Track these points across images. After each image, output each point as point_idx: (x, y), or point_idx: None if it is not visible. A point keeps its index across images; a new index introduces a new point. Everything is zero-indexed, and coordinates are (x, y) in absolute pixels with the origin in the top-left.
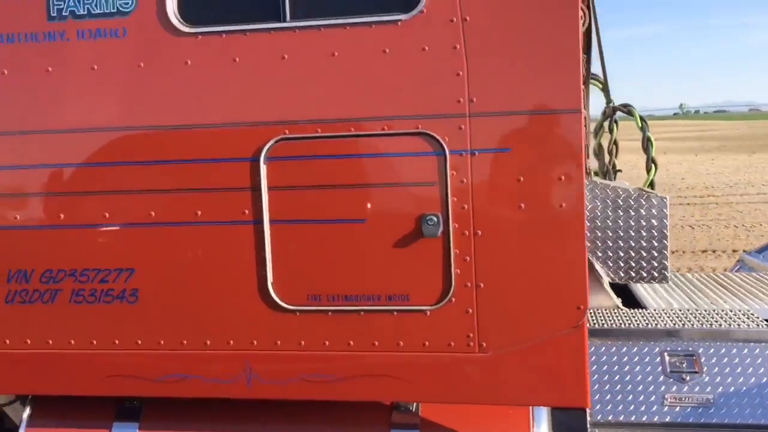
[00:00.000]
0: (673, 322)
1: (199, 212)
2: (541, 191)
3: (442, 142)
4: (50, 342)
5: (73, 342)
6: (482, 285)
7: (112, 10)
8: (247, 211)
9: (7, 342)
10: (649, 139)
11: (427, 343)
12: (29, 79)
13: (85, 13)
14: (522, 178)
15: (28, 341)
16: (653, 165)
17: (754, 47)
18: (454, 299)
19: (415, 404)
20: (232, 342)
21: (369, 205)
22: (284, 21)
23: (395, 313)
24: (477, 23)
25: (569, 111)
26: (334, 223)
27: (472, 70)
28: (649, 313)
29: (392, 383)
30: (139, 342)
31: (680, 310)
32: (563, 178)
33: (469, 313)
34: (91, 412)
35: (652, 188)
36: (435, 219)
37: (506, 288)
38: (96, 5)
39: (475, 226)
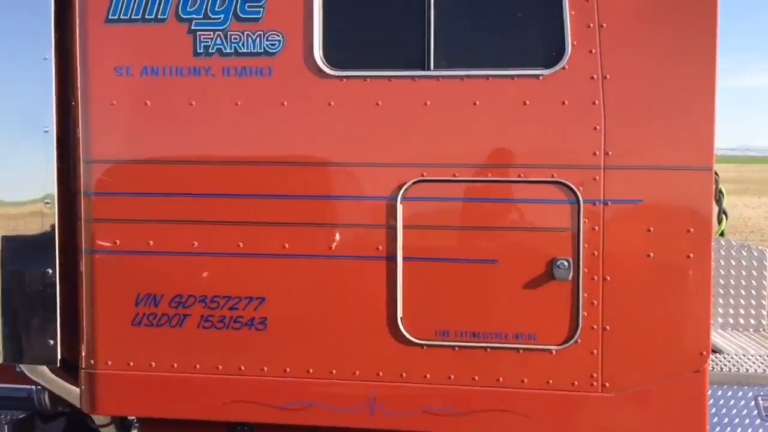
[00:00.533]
0: (761, 367)
1: (334, 246)
2: (670, 242)
3: (577, 192)
4: (175, 365)
5: (198, 366)
6: (608, 328)
7: (259, 51)
8: (380, 248)
9: (131, 364)
10: (720, 191)
11: (551, 381)
12: (172, 111)
13: (232, 51)
14: (652, 229)
15: (153, 364)
16: (724, 215)
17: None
18: (580, 340)
19: None
20: (357, 372)
21: (501, 247)
22: (428, 69)
23: (521, 350)
24: (616, 81)
25: (701, 168)
26: (467, 262)
27: (609, 125)
28: (732, 358)
29: (514, 419)
30: (265, 369)
31: (761, 356)
32: (692, 230)
33: (594, 354)
34: None
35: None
36: (566, 263)
37: (631, 332)
38: (243, 45)
39: (604, 272)
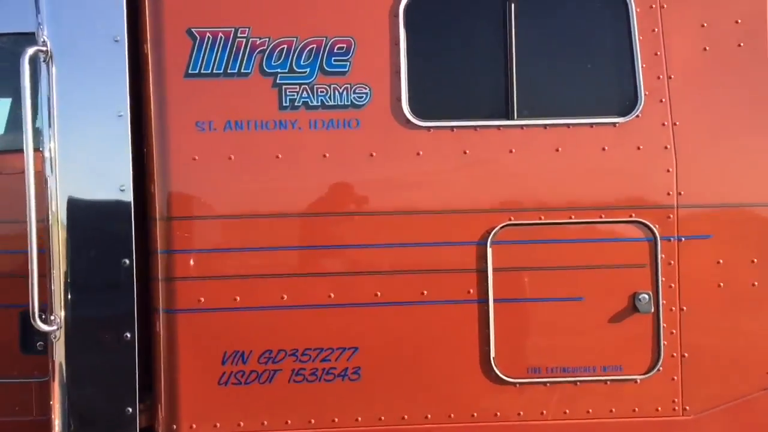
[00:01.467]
0: None
1: (425, 292)
2: (738, 272)
3: (654, 229)
4: (265, 423)
5: (289, 422)
6: (686, 355)
7: (347, 103)
8: (471, 291)
9: (218, 426)
10: None
11: (636, 408)
12: (258, 165)
13: (319, 104)
14: (721, 261)
15: (241, 424)
16: None
17: None
18: (661, 368)
19: None
20: (452, 415)
21: (587, 285)
22: (512, 119)
23: (608, 382)
24: (686, 127)
25: (763, 204)
26: (554, 301)
27: (681, 167)
28: None
29: None
30: (359, 419)
31: None
32: (756, 260)
33: (675, 381)
34: None
35: None
36: (647, 297)
37: (706, 357)
38: (329, 98)
39: (680, 302)
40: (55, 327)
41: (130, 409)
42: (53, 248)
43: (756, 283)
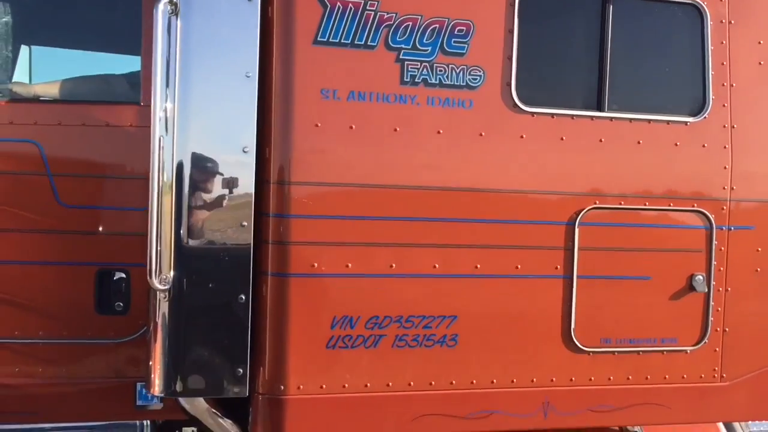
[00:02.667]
0: None
1: (519, 266)
2: (758, 259)
3: (711, 219)
4: (368, 385)
5: (390, 384)
6: (727, 329)
7: (462, 84)
8: (558, 267)
9: (323, 387)
10: None
11: (685, 375)
12: (376, 136)
13: (437, 82)
14: (760, 249)
15: (346, 385)
16: None
17: None
18: (707, 341)
19: (639, 428)
20: (534, 380)
21: (654, 265)
22: (603, 111)
23: (665, 352)
24: (741, 130)
25: None
26: (627, 279)
27: (735, 165)
28: None
29: (658, 410)
30: (453, 382)
31: None
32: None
33: (716, 352)
34: None
35: None
36: (701, 278)
37: (742, 332)
38: (447, 77)
39: (726, 284)
40: (168, 286)
41: (241, 370)
42: (164, 207)
43: None
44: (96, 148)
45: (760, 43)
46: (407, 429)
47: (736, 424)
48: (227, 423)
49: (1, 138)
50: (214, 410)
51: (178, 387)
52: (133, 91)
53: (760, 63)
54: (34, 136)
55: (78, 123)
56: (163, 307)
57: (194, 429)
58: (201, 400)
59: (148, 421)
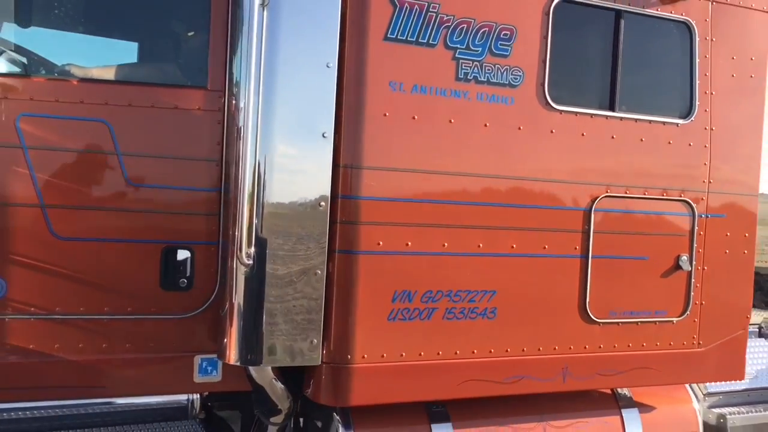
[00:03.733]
0: None
1: (546, 246)
2: (737, 243)
3: (694, 207)
4: (422, 354)
5: (440, 353)
6: (704, 303)
7: (505, 82)
8: (577, 248)
9: (384, 356)
10: None
11: (672, 342)
12: (434, 126)
13: (485, 80)
14: (728, 234)
15: (403, 354)
16: None
17: None
18: (689, 313)
19: (627, 390)
20: (556, 348)
21: (651, 247)
22: (615, 111)
23: (657, 323)
24: (717, 132)
25: (753, 195)
26: (631, 259)
27: (712, 162)
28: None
29: (649, 373)
30: (492, 351)
31: None
32: (747, 234)
33: (695, 322)
34: (406, 418)
35: None
36: (686, 258)
37: (715, 305)
38: (494, 75)
39: (704, 263)
40: (251, 262)
41: (315, 340)
42: (245, 188)
43: (746, 251)
44: (163, 130)
45: (733, 58)
46: (454, 393)
47: (696, 387)
48: (283, 390)
49: (72, 116)
50: (275, 378)
51: (254, 356)
52: (201, 75)
53: (732, 75)
54: (104, 115)
55: (147, 104)
56: (243, 282)
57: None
58: (269, 368)
59: (197, 396)
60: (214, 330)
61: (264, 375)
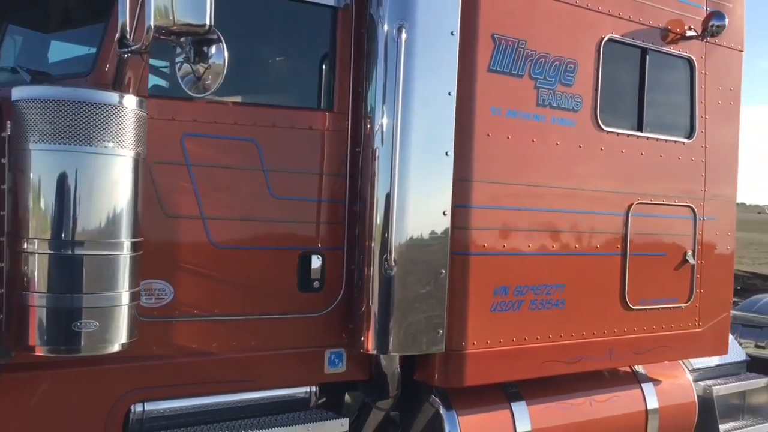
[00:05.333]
0: None
1: (598, 246)
2: (723, 241)
3: (695, 211)
4: (513, 340)
5: (526, 338)
6: (702, 291)
7: (570, 108)
8: (618, 246)
9: (488, 342)
10: None
11: (681, 324)
12: (521, 145)
13: (557, 106)
14: (717, 233)
15: (501, 340)
16: None
17: None
18: (693, 299)
19: (642, 368)
20: (605, 331)
21: (667, 246)
22: (642, 131)
23: (671, 308)
24: (709, 149)
25: (733, 200)
26: (654, 255)
27: (708, 174)
28: None
29: (667, 350)
30: (562, 335)
31: None
32: (729, 234)
33: (697, 307)
34: (490, 398)
35: None
36: (691, 254)
37: (709, 291)
38: (563, 102)
39: (702, 258)
40: (393, 269)
41: (441, 331)
42: (382, 203)
43: (728, 248)
44: (300, 148)
45: (719, 88)
46: (537, 372)
47: (685, 364)
48: (399, 376)
49: (227, 136)
50: (398, 366)
51: (391, 346)
52: (328, 99)
53: (719, 102)
54: (253, 135)
55: (288, 125)
56: (382, 285)
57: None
58: (397, 357)
59: (316, 387)
60: (340, 326)
61: (392, 362)
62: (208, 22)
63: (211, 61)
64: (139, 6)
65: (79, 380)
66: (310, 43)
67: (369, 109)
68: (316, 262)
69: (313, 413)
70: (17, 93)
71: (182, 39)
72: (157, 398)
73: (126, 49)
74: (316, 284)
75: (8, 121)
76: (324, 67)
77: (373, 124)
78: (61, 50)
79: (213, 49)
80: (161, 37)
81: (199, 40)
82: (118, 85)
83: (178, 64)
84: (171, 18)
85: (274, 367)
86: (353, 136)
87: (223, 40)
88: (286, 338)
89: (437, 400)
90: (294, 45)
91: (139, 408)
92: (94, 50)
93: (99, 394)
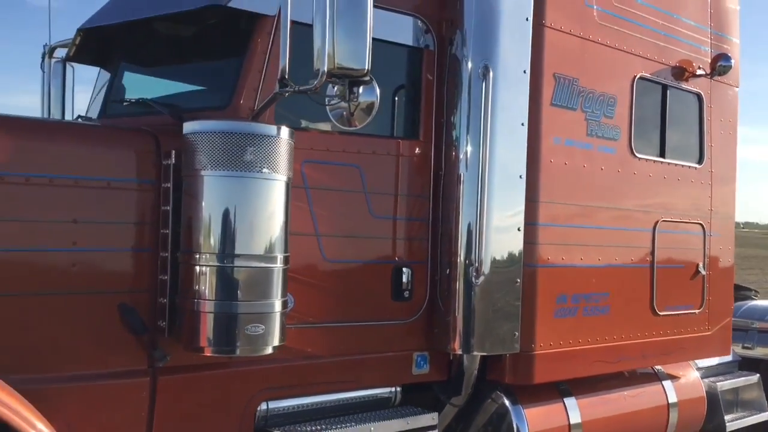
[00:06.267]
0: None
1: (632, 259)
2: (726, 253)
3: (705, 228)
4: (570, 342)
5: (580, 341)
6: (710, 298)
7: (611, 137)
8: (648, 259)
9: (551, 344)
10: None
11: (695, 328)
12: (576, 170)
13: (602, 135)
14: (721, 248)
15: (561, 342)
16: None
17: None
18: (704, 306)
19: (661, 367)
20: (638, 335)
21: (684, 258)
22: (665, 158)
23: (688, 315)
24: (714, 173)
25: (732, 219)
26: (674, 267)
27: (714, 196)
28: None
29: (685, 352)
30: (606, 338)
31: None
32: (730, 248)
33: (707, 312)
34: (546, 395)
35: None
36: (702, 265)
37: (716, 299)
38: (606, 132)
39: (710, 269)
40: (479, 280)
41: (516, 333)
42: (462, 221)
43: (729, 260)
44: (393, 172)
45: (720, 120)
46: (588, 371)
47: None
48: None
49: (336, 162)
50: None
51: (475, 347)
52: (415, 129)
53: (721, 132)
54: (357, 161)
55: (384, 152)
56: (468, 292)
57: None
58: (478, 357)
59: (399, 387)
60: (425, 332)
61: (474, 362)
62: (367, 67)
63: (362, 98)
64: (269, 51)
65: (222, 381)
66: (400, 79)
67: (454, 138)
68: (406, 274)
69: (405, 409)
70: (189, 127)
71: (339, 80)
72: (280, 397)
73: (292, 89)
74: (406, 294)
75: (173, 151)
76: (412, 100)
77: (458, 151)
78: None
79: (362, 88)
80: (327, 79)
81: (354, 81)
82: (256, 117)
83: (330, 100)
84: (333, 63)
85: (373, 368)
86: (436, 161)
87: (375, 81)
88: (382, 342)
89: (503, 395)
90: (387, 81)
91: (264, 406)
92: (224, 85)
93: (237, 393)
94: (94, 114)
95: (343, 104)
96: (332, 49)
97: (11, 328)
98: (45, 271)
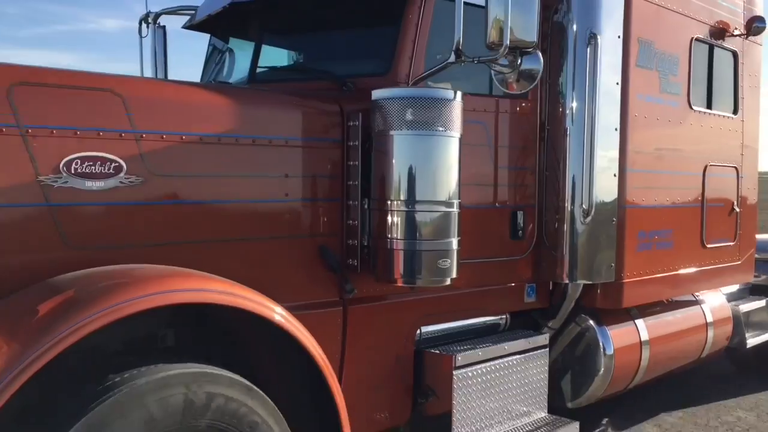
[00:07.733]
0: None
1: (690, 199)
2: (751, 192)
3: (738, 171)
4: (647, 272)
5: (654, 270)
6: (741, 232)
7: (676, 92)
8: (699, 200)
9: (635, 273)
10: None
11: (730, 258)
12: (652, 122)
13: (669, 91)
14: (749, 187)
15: (641, 272)
16: None
17: None
18: (737, 239)
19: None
20: (692, 264)
21: (723, 197)
22: (712, 109)
23: (725, 246)
24: (746, 123)
25: (756, 160)
26: (716, 206)
27: (744, 142)
28: None
29: (725, 278)
30: (671, 268)
31: None
32: (755, 187)
33: (737, 245)
34: (621, 317)
35: None
36: (736, 203)
37: (744, 233)
38: (672, 88)
39: (741, 207)
40: (588, 222)
41: (613, 264)
42: (569, 169)
43: (754, 199)
44: (509, 127)
45: (749, 75)
46: (659, 296)
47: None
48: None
49: (469, 120)
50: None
51: (579, 276)
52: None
53: (749, 86)
54: (483, 119)
55: (504, 111)
56: (575, 234)
57: None
58: (581, 285)
59: (509, 314)
60: (535, 265)
61: (576, 290)
62: (536, 39)
63: (528, 66)
64: (420, 22)
65: (394, 310)
66: None
67: (560, 96)
68: (520, 216)
69: (521, 332)
70: (378, 94)
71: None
72: (431, 323)
73: (470, 59)
74: (520, 233)
75: (359, 113)
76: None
77: (564, 107)
78: (289, 56)
79: (526, 57)
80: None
81: (523, 51)
82: (417, 83)
83: (499, 69)
84: (512, 37)
85: (497, 298)
86: (541, 117)
87: (540, 51)
88: (505, 276)
89: (589, 318)
90: None
91: (420, 330)
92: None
93: (404, 319)
94: (227, 79)
95: (507, 70)
96: (510, 24)
97: (243, 268)
98: (268, 219)
